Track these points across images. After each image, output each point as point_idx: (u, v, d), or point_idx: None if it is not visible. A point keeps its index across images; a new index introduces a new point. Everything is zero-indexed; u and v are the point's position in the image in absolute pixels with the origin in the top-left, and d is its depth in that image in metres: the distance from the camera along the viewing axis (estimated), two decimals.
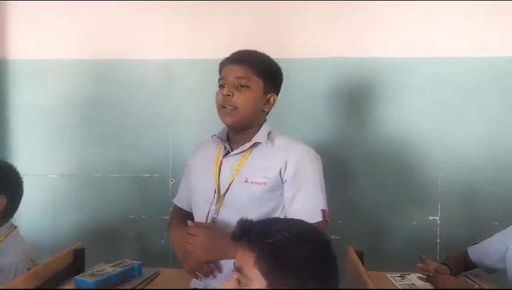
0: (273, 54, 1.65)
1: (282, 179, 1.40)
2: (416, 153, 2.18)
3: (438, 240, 2.18)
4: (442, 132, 2.17)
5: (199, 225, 1.40)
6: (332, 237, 2.16)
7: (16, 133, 2.32)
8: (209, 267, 1.39)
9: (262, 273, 0.88)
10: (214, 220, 1.42)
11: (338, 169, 2.18)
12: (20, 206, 1.72)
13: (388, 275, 1.68)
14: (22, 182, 1.71)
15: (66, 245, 1.70)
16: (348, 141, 2.20)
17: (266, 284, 0.87)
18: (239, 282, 0.91)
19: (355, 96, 2.20)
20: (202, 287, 1.45)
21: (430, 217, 2.18)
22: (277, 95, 1.50)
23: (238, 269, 0.91)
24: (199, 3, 2.20)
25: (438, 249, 2.17)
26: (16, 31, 2.31)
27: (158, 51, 2.26)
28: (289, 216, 1.39)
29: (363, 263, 1.56)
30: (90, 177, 2.31)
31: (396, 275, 1.68)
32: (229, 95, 1.40)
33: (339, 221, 2.17)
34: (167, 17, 2.24)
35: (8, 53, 2.31)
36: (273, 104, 1.49)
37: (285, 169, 1.40)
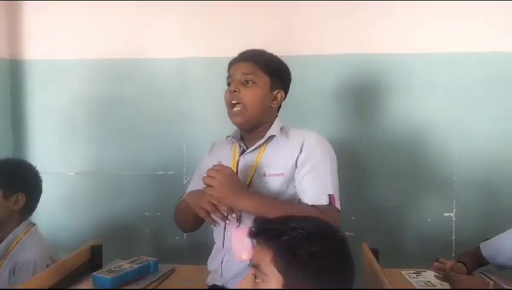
0: (285, 51, 1.66)
1: (296, 165, 1.41)
2: (432, 149, 2.17)
3: (453, 237, 2.16)
4: (457, 127, 2.15)
5: (219, 166, 1.35)
6: (347, 233, 2.15)
7: (34, 133, 2.36)
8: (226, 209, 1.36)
9: (279, 270, 0.88)
10: (239, 217, 1.40)
11: (352, 166, 2.18)
12: (38, 204, 1.75)
13: (403, 272, 1.68)
14: (40, 180, 1.74)
15: (83, 242, 1.73)
16: (361, 138, 2.19)
17: (283, 280, 0.88)
18: (256, 278, 0.92)
19: (369, 93, 2.19)
20: (220, 284, 1.46)
21: (446, 214, 2.17)
22: (285, 92, 1.51)
23: (255, 266, 0.92)
24: (212, 2, 2.21)
25: (454, 246, 2.16)
26: (30, 31, 2.34)
27: (172, 49, 2.27)
28: (299, 200, 1.40)
29: (378, 260, 1.56)
30: (106, 175, 2.34)
31: (412, 272, 1.68)
32: (235, 91, 1.42)
33: (353, 218, 2.18)
34: (180, 15, 2.25)
35: (23, 54, 2.35)
36: (280, 100, 1.50)
37: (298, 154, 1.41)
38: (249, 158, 1.46)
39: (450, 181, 2.16)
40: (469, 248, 1.75)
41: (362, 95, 2.19)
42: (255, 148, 1.46)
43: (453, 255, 2.13)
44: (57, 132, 2.35)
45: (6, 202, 1.61)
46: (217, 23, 2.24)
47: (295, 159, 1.41)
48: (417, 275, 1.65)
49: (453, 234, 2.17)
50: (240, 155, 1.48)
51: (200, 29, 2.25)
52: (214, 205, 1.33)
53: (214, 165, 1.34)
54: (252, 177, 1.43)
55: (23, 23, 2.34)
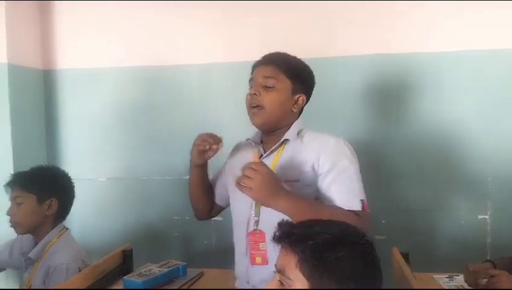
0: (307, 53, 1.64)
1: (316, 172, 1.38)
2: (465, 150, 2.11)
3: (488, 240, 2.10)
4: (492, 127, 2.09)
5: (262, 163, 1.33)
6: (377, 237, 2.13)
7: (66, 140, 2.44)
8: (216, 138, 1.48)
9: (305, 275, 0.88)
10: (256, 223, 1.41)
11: (381, 168, 2.15)
12: (72, 208, 1.80)
13: (435, 276, 1.63)
14: (73, 186, 1.80)
15: (114, 246, 1.76)
16: (390, 139, 2.16)
17: (308, 285, 0.87)
18: (281, 283, 0.91)
19: (397, 93, 2.16)
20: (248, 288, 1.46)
21: (480, 216, 2.11)
22: (308, 96, 1.49)
23: (280, 271, 0.92)
24: (234, 7, 2.23)
25: (488, 250, 2.09)
26: (62, 42, 2.43)
27: (197, 55, 2.30)
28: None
29: (408, 264, 1.52)
30: (136, 180, 2.39)
31: (444, 276, 1.63)
32: (255, 94, 1.41)
33: (384, 221, 2.15)
34: (204, 22, 2.28)
35: (55, 64, 2.43)
36: (302, 104, 1.47)
37: (319, 162, 1.38)
38: (266, 162, 1.42)
39: (484, 182, 2.10)
40: (505, 252, 1.69)
41: (390, 95, 2.16)
42: (271, 153, 1.45)
43: (487, 258, 2.06)
44: (89, 139, 2.42)
45: (40, 207, 1.67)
46: (240, 28, 2.25)
47: (311, 166, 1.38)
48: (450, 280, 1.60)
49: (488, 237, 2.10)
50: (258, 159, 1.47)
51: (223, 35, 2.27)
52: (203, 139, 1.47)
53: (250, 163, 1.28)
54: None
55: (55, 34, 2.43)
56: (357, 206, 1.33)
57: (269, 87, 1.41)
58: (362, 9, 2.15)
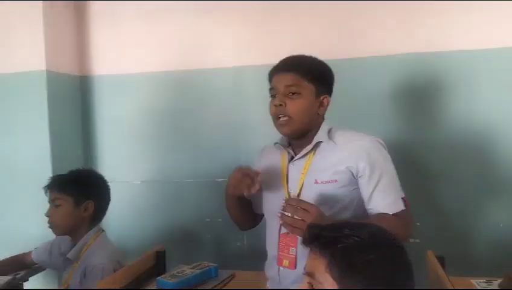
0: (339, 54, 1.62)
1: (353, 173, 1.38)
2: (501, 149, 2.04)
3: None
4: None
5: (309, 202, 1.32)
6: (412, 240, 2.08)
7: (102, 144, 2.51)
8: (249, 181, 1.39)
9: (334, 278, 0.87)
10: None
11: (416, 169, 2.11)
12: (108, 211, 1.85)
13: (473, 281, 1.58)
14: (109, 189, 1.85)
15: (148, 247, 1.81)
16: (425, 140, 2.11)
17: (338, 288, 0.86)
18: (311, 286, 0.91)
19: (429, 93, 2.11)
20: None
21: None
22: (330, 95, 1.47)
23: (309, 274, 0.91)
24: (264, 9, 2.24)
25: None
26: (98, 48, 2.50)
27: (228, 58, 2.32)
28: (371, 211, 1.38)
29: (443, 267, 1.48)
30: (169, 182, 2.43)
31: (482, 280, 1.58)
32: (281, 105, 1.39)
33: (418, 223, 2.08)
34: (235, 24, 2.30)
35: (92, 70, 2.51)
36: (327, 105, 1.45)
37: (357, 165, 1.37)
38: (298, 165, 1.44)
39: None
40: None
41: (421, 95, 2.11)
42: (304, 155, 1.44)
43: None
44: (124, 143, 2.48)
45: (77, 210, 1.72)
46: (271, 30, 2.26)
47: (347, 166, 1.38)
48: (488, 284, 1.55)
49: None
50: (288, 162, 1.47)
51: (254, 37, 2.28)
52: (239, 178, 1.40)
53: (300, 200, 1.29)
54: (302, 185, 1.41)
55: (90, 40, 2.51)
56: (400, 207, 1.37)
57: (293, 95, 1.39)
58: (391, 9, 2.11)
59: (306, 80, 1.39)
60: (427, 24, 2.09)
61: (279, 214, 1.29)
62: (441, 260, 1.54)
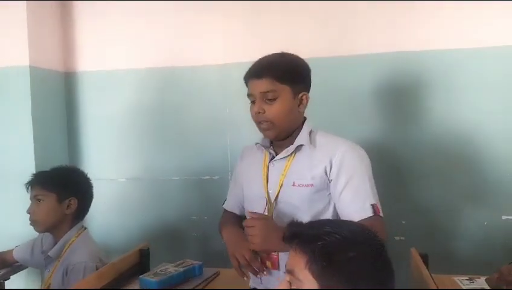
0: (325, 52, 1.61)
1: (328, 177, 1.38)
2: (486, 148, 2.06)
3: None
4: None
5: (256, 216, 1.36)
6: (397, 238, 2.10)
7: (87, 141, 2.48)
8: (260, 265, 1.38)
9: (314, 276, 0.86)
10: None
11: (399, 168, 2.12)
12: (91, 208, 1.83)
13: (455, 278, 1.59)
14: (91, 186, 1.83)
15: (133, 245, 1.78)
16: (410, 139, 2.12)
17: (318, 286, 0.86)
18: (291, 284, 0.90)
19: (411, 92, 2.11)
20: (261, 288, 1.46)
21: (504, 217, 2.05)
22: (308, 90, 1.45)
23: (289, 271, 0.91)
24: (252, 7, 2.23)
25: None
26: (83, 44, 2.47)
27: (215, 56, 2.31)
28: (339, 214, 1.37)
29: (427, 265, 1.49)
30: (155, 180, 2.41)
31: (465, 278, 1.59)
32: (259, 112, 1.39)
33: (404, 222, 2.11)
34: (222, 22, 2.29)
35: (77, 66, 2.48)
36: (306, 102, 1.44)
37: (331, 167, 1.37)
38: (278, 165, 1.44)
39: (508, 182, 2.04)
40: None
41: (403, 94, 2.12)
42: (284, 157, 1.44)
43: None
44: (109, 140, 2.46)
45: (60, 206, 1.70)
46: (259, 28, 2.25)
47: (323, 170, 1.37)
48: (470, 282, 1.56)
49: None
50: (269, 162, 1.47)
51: (241, 35, 2.27)
52: (247, 260, 1.36)
53: (250, 213, 1.35)
54: (281, 186, 1.41)
55: (75, 36, 2.47)
56: (367, 213, 1.33)
57: (270, 100, 1.37)
58: (373, 8, 2.11)
59: (280, 82, 1.37)
60: (413, 23, 2.09)
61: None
62: (425, 257, 1.54)
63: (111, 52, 2.43)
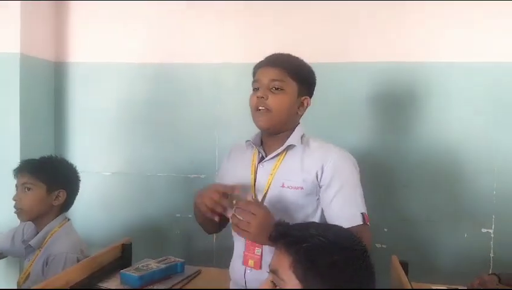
0: (318, 58, 1.63)
1: (318, 183, 1.38)
2: (470, 162, 2.09)
3: (491, 255, 2.07)
4: (497, 139, 2.06)
5: (258, 203, 1.32)
6: (378, 245, 2.12)
7: (74, 132, 2.45)
8: (229, 204, 1.33)
9: (297, 277, 0.87)
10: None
11: (386, 176, 2.14)
12: (76, 201, 1.82)
13: (433, 287, 1.62)
14: (79, 179, 1.82)
15: (116, 240, 1.77)
16: (397, 148, 2.14)
17: (300, 287, 0.87)
18: (274, 284, 0.91)
19: (404, 103, 2.14)
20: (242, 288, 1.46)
21: (484, 230, 2.08)
22: (310, 98, 1.48)
23: (273, 271, 0.92)
24: (247, 8, 2.24)
25: (491, 264, 2.06)
26: (75, 35, 2.44)
27: (208, 55, 2.30)
28: (328, 221, 1.37)
29: (407, 273, 1.51)
30: (141, 175, 2.40)
31: (443, 287, 1.61)
32: (263, 98, 1.39)
33: (386, 229, 2.13)
34: (217, 22, 2.29)
35: (68, 56, 2.45)
36: (306, 106, 1.46)
37: (322, 173, 1.37)
38: (267, 166, 1.43)
39: (489, 195, 2.07)
40: (508, 266, 1.67)
41: (396, 104, 2.14)
42: (274, 157, 1.43)
43: (490, 273, 2.03)
44: (97, 133, 2.43)
45: (48, 197, 1.69)
46: (253, 29, 2.25)
47: (315, 175, 1.38)
48: None
49: (491, 251, 2.07)
50: (258, 162, 1.46)
51: (236, 35, 2.27)
52: (215, 200, 1.30)
53: (249, 204, 1.26)
54: (269, 186, 1.41)
55: (68, 26, 2.44)
56: (357, 221, 1.34)
57: (277, 90, 1.39)
58: (373, 17, 2.14)
59: (291, 77, 1.40)
60: (408, 34, 2.12)
61: (230, 215, 1.29)
62: (405, 265, 1.57)
63: (104, 44, 2.41)
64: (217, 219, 1.35)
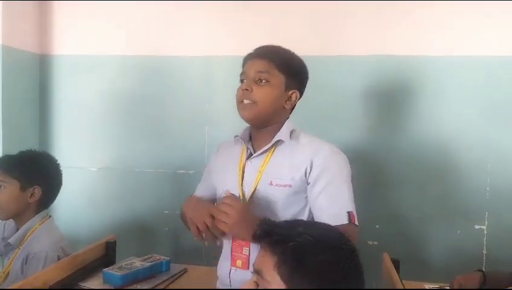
0: (311, 51, 1.60)
1: (307, 179, 1.34)
2: (463, 158, 2.06)
3: (484, 251, 2.04)
4: (491, 135, 2.03)
5: (236, 198, 1.29)
6: (370, 242, 2.09)
7: (59, 127, 2.39)
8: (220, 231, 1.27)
9: (282, 278, 0.83)
10: None
11: (377, 173, 2.11)
12: (60, 197, 1.76)
13: (425, 286, 1.58)
14: (60, 174, 1.75)
15: (101, 237, 1.72)
16: (389, 144, 2.10)
17: (285, 288, 0.83)
18: (257, 285, 0.87)
19: (398, 98, 2.10)
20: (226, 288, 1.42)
21: (477, 226, 2.05)
22: (301, 92, 1.43)
23: (257, 271, 0.87)
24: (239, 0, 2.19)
25: (484, 261, 2.04)
26: (60, 27, 2.38)
27: (197, 47, 2.25)
28: (314, 218, 1.33)
29: (398, 271, 1.48)
30: (128, 171, 2.34)
31: (435, 286, 1.58)
32: (247, 90, 1.35)
33: (378, 226, 2.10)
34: (206, 14, 2.23)
35: (52, 49, 2.38)
36: (295, 101, 1.42)
37: (311, 169, 1.33)
38: (255, 163, 1.39)
39: (482, 192, 2.04)
40: (501, 263, 1.64)
41: (390, 99, 2.10)
42: (262, 153, 1.39)
43: (483, 270, 2.02)
44: (83, 127, 2.38)
45: (23, 194, 1.63)
46: (244, 22, 2.20)
47: (304, 172, 1.33)
48: None
49: (484, 248, 2.04)
50: (246, 159, 1.41)
51: (227, 27, 2.22)
52: (207, 225, 1.26)
53: (225, 198, 1.25)
54: (258, 184, 1.36)
55: (53, 18, 2.38)
56: (342, 220, 1.29)
57: (262, 82, 1.35)
58: (367, 10, 2.09)
59: (278, 69, 1.35)
60: (401, 27, 2.08)
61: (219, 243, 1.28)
62: (396, 263, 1.53)
63: (90, 36, 2.34)
64: (207, 244, 1.30)
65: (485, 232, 2.04)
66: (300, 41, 2.10)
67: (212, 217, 1.26)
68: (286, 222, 0.94)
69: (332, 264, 0.83)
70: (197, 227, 1.28)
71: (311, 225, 0.92)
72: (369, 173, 2.08)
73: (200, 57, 2.25)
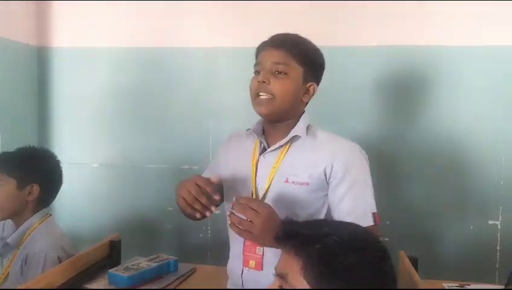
0: (319, 41, 1.53)
1: (326, 178, 1.27)
2: (476, 151, 2.00)
3: (498, 247, 2.00)
4: (505, 128, 1.97)
5: (261, 202, 1.20)
6: (381, 238, 2.02)
7: (59, 122, 2.33)
8: (207, 201, 1.18)
9: (309, 283, 0.77)
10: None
11: (389, 166, 2.04)
12: (61, 194, 1.70)
13: (445, 285, 1.52)
14: (59, 171, 1.69)
15: (104, 235, 1.66)
16: (400, 137, 2.05)
17: None
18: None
19: (409, 88, 2.04)
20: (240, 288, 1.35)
21: (490, 222, 2.00)
22: (318, 84, 1.36)
23: (280, 275, 0.81)
24: None
25: (498, 257, 1.99)
26: (58, 19, 2.30)
27: (200, 39, 2.18)
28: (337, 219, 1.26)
29: (416, 269, 1.41)
30: (131, 167, 2.28)
31: (455, 285, 1.52)
32: (264, 82, 1.27)
33: (388, 222, 2.04)
34: (209, 5, 2.16)
35: (51, 41, 2.31)
36: (312, 94, 1.34)
37: (332, 168, 1.26)
38: (269, 158, 1.31)
39: (496, 186, 1.99)
40: None
41: (405, 91, 2.04)
42: (277, 148, 1.31)
43: (497, 266, 1.97)
44: (83, 122, 2.31)
45: (20, 193, 1.56)
46: (248, 13, 2.13)
47: (322, 170, 1.26)
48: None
49: (498, 243, 2.00)
50: (260, 154, 1.34)
51: (230, 18, 2.15)
52: (194, 196, 1.17)
53: (251, 199, 1.18)
54: (272, 181, 1.29)
55: (51, 10, 2.31)
56: (368, 222, 1.24)
57: (279, 74, 1.27)
58: None
59: (296, 60, 1.28)
60: (417, 17, 2.01)
61: (228, 213, 1.17)
62: (414, 261, 1.46)
63: (90, 28, 2.27)
64: (198, 215, 1.20)
65: (499, 227, 2.00)
66: (310, 32, 2.05)
67: (197, 185, 1.18)
68: (310, 222, 0.87)
69: (363, 267, 0.77)
70: (184, 199, 1.19)
71: (338, 225, 0.85)
72: (381, 167, 1.99)
73: (202, 48, 2.18)
